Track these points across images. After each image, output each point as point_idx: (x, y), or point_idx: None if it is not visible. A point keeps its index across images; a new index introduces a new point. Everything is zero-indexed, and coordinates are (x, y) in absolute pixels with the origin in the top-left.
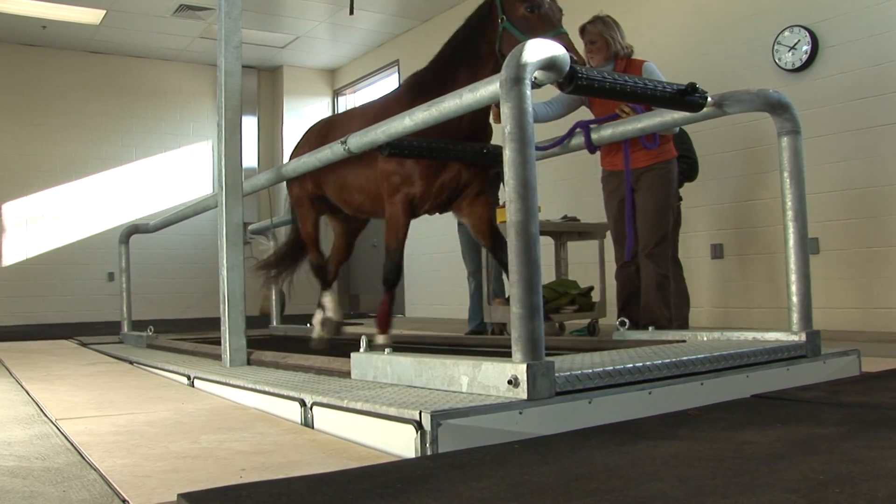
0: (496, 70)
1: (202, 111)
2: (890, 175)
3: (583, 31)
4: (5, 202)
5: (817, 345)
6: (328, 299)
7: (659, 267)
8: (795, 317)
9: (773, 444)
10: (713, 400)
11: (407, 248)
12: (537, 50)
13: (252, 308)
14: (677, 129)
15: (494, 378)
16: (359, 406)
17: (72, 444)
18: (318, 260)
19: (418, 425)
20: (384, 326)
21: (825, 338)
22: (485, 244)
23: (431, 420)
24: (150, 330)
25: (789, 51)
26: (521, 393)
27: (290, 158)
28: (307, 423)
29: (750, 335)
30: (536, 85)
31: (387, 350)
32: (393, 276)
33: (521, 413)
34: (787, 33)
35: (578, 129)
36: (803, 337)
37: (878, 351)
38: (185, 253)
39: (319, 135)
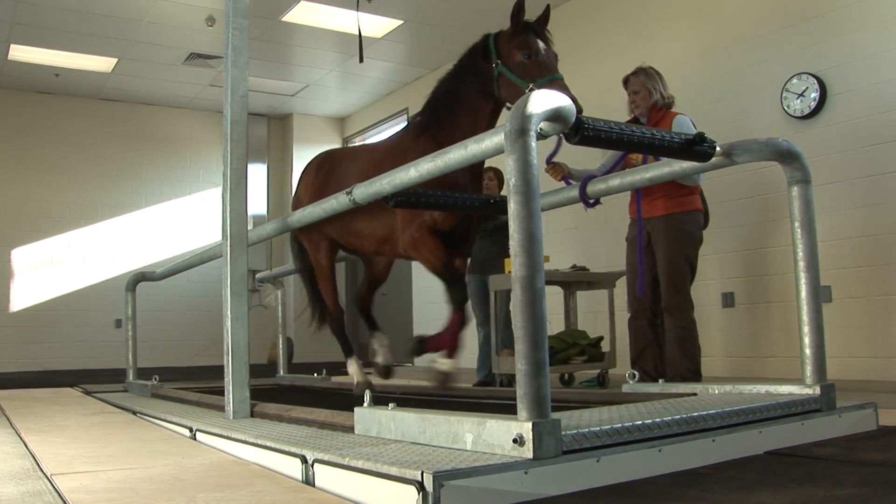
0: (495, 112)
1: (212, 158)
2: None
3: (626, 82)
4: (15, 248)
5: (832, 398)
6: (353, 368)
7: (677, 320)
8: (809, 369)
9: None
10: (726, 457)
11: (416, 295)
12: (543, 101)
13: (260, 357)
14: (699, 179)
15: (499, 436)
16: (360, 464)
17: (64, 503)
18: (338, 316)
19: (420, 486)
20: (453, 350)
21: (840, 388)
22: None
23: (434, 481)
24: (156, 379)
25: (797, 98)
26: (527, 452)
27: (295, 194)
28: (308, 480)
29: (763, 388)
30: (542, 136)
31: (391, 405)
32: (456, 295)
33: (526, 473)
34: (794, 80)
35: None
36: (818, 390)
37: None
38: (193, 300)
39: (321, 168)
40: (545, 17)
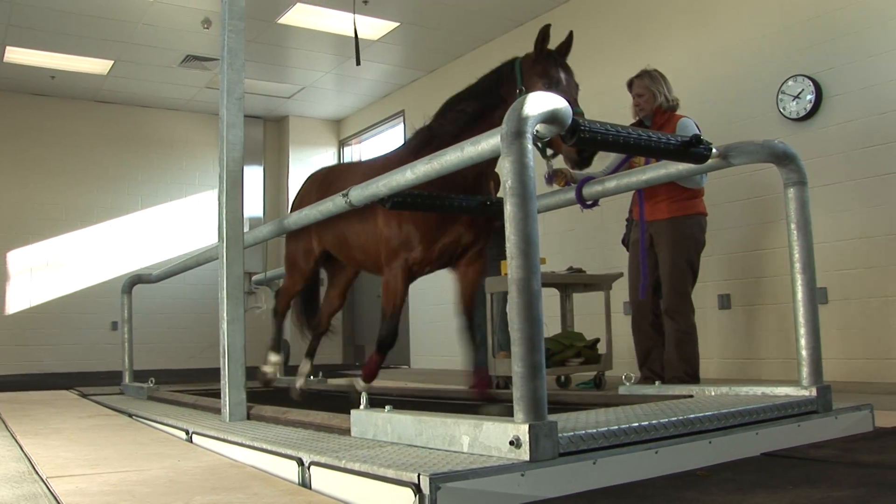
0: None
1: (208, 161)
2: None
3: (630, 84)
4: (10, 250)
5: (828, 400)
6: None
7: (677, 324)
8: (805, 371)
9: None
10: (722, 459)
11: (412, 298)
12: (538, 103)
13: (256, 359)
14: (703, 181)
15: (496, 438)
16: (356, 467)
17: None
18: (283, 311)
19: (416, 488)
20: (369, 379)
21: (836, 390)
22: (460, 308)
23: (430, 483)
24: (152, 381)
25: (793, 100)
26: (524, 454)
27: (292, 207)
28: (304, 482)
29: (759, 390)
30: (539, 138)
31: (387, 407)
32: (388, 341)
33: (523, 475)
34: (790, 82)
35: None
36: (814, 392)
37: (892, 404)
38: (189, 302)
39: (322, 184)
40: (568, 44)
